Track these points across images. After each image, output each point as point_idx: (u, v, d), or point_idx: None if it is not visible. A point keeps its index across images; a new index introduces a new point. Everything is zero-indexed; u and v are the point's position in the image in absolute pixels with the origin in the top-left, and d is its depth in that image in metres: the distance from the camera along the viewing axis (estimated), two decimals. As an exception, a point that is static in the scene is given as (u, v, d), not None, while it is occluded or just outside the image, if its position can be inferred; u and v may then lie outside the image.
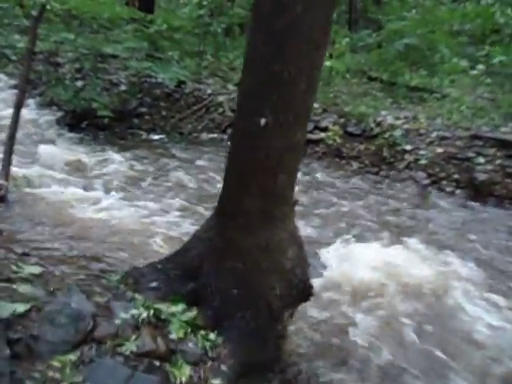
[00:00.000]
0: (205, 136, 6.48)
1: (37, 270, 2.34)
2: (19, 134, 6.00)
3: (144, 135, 6.52)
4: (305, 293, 2.02)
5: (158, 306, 1.83)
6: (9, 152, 4.24)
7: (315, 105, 6.34)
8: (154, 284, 1.93)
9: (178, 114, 7.25)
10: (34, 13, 4.29)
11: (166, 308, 1.84)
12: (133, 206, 3.78)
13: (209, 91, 7.64)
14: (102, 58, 7.81)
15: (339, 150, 5.35)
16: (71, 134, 6.40)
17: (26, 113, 7.25)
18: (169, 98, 7.74)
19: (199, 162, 5.21)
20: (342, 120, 5.69)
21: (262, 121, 1.50)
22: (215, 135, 6.49)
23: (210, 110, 7.06)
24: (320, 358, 2.27)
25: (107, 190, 4.25)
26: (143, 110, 7.48)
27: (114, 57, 8.46)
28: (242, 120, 1.61)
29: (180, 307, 1.86)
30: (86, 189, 4.35)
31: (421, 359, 2.20)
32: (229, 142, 1.84)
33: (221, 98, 7.04)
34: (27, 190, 4.13)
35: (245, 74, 1.59)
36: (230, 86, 7.90)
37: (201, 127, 6.76)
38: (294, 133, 1.58)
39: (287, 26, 1.41)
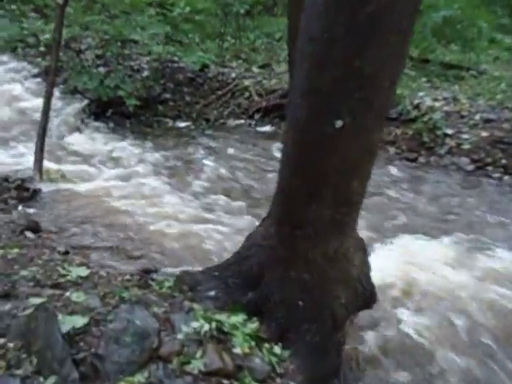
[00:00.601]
0: (232, 122, 6.32)
1: (84, 272, 2.29)
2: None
3: (170, 123, 6.40)
4: (369, 300, 1.91)
5: (218, 317, 1.74)
6: (40, 145, 4.20)
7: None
8: (211, 293, 1.84)
9: (203, 99, 7.08)
10: (60, 0, 4.15)
11: (227, 319, 1.75)
12: (174, 201, 3.70)
13: (233, 75, 7.42)
14: (122, 43, 7.66)
15: (375, 135, 5.11)
16: (97, 123, 6.33)
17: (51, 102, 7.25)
18: (192, 83, 7.55)
19: (230, 151, 5.07)
20: (377, 103, 5.42)
21: (339, 122, 1.35)
22: (242, 121, 6.31)
23: (236, 95, 6.87)
24: (378, 359, 2.17)
25: (142, 182, 4.18)
26: (167, 96, 7.33)
27: (135, 42, 8.31)
28: (311, 121, 1.46)
29: (241, 318, 1.77)
30: (121, 181, 4.29)
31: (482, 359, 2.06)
32: (283, 143, 1.68)
33: (246, 82, 6.82)
34: (61, 184, 4.09)
35: (313, 71, 1.42)
36: (255, 69, 7.66)
37: (227, 113, 6.59)
38: (371, 134, 1.43)
39: (373, 16, 1.23)
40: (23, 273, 2.11)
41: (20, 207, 3.43)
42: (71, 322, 1.61)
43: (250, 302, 1.80)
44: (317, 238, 1.57)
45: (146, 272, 2.66)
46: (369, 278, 1.90)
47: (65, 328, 1.57)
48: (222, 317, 1.75)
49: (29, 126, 6.01)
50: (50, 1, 8.02)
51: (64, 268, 2.31)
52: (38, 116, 6.39)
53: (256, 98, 6.19)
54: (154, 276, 2.53)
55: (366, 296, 1.85)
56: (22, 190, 3.76)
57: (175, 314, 1.73)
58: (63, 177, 4.20)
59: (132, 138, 5.70)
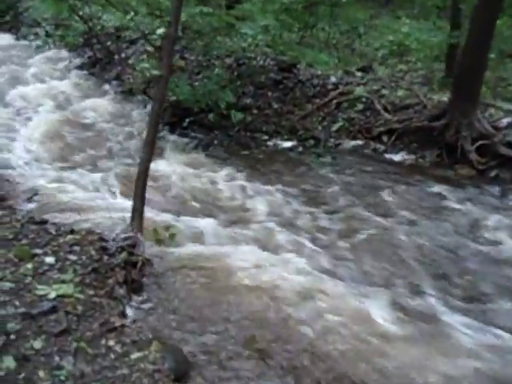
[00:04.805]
0: (347, 144, 4.89)
1: None
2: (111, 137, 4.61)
3: (269, 141, 4.97)
4: None
5: None
6: (141, 189, 2.81)
7: None
8: None
9: (297, 108, 5.65)
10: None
11: None
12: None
13: (333, 79, 5.97)
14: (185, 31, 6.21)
15: None
16: (174, 137, 4.94)
17: (107, 103, 5.83)
18: (278, 87, 6.12)
19: (379, 194, 3.64)
20: None
21: None
22: (359, 142, 4.88)
23: (343, 106, 5.43)
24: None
25: (291, 250, 2.81)
26: (247, 101, 5.92)
27: (197, 32, 6.86)
28: None
29: None
30: (249, 240, 2.93)
31: None
32: None
33: (359, 90, 5.37)
34: (173, 250, 2.72)
35: None
36: (357, 73, 6.19)
37: (335, 129, 5.15)
38: None
39: None
40: None
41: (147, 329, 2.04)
42: None
43: None
44: None
45: None
46: None
47: None
48: None
49: (91, 139, 4.65)
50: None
51: None
52: (100, 125, 5.03)
53: (386, 114, 4.74)
54: None
55: None
56: (130, 267, 2.40)
57: None
58: (172, 236, 2.81)
59: (228, 164, 4.30)
